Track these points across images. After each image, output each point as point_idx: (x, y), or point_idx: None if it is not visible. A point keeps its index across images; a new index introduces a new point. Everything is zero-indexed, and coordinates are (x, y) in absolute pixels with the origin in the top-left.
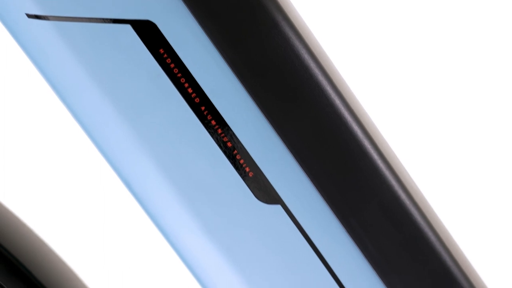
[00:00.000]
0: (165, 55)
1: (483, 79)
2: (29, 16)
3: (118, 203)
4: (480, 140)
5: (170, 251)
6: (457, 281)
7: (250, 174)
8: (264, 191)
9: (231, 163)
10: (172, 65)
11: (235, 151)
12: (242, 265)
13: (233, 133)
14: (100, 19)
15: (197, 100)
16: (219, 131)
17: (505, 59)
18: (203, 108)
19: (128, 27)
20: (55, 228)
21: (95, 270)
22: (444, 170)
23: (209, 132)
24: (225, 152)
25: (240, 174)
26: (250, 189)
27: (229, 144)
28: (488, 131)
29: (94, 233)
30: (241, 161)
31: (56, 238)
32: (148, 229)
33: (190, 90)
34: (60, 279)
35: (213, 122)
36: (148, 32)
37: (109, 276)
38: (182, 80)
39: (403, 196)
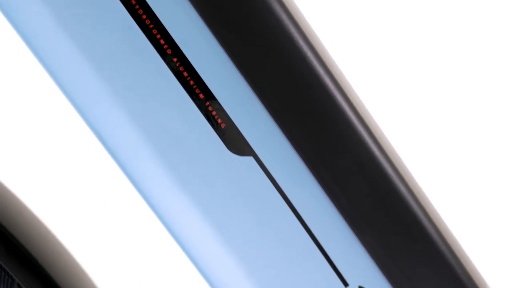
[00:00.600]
0: (137, 6)
1: (482, 71)
2: None
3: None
4: (453, 97)
5: (164, 232)
6: (429, 236)
7: (222, 126)
8: (236, 143)
9: (203, 114)
10: (144, 16)
11: (207, 103)
12: (215, 216)
13: (206, 85)
14: None
15: (169, 51)
16: (191, 82)
17: (508, 58)
18: (175, 59)
19: None
20: (45, 199)
21: (84, 242)
22: (419, 129)
23: (182, 84)
24: (197, 104)
25: (212, 126)
26: (223, 141)
27: (201, 96)
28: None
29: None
30: (213, 113)
31: (46, 210)
32: (142, 207)
33: (162, 42)
34: (58, 258)
35: (185, 74)
36: None
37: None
38: (154, 31)
39: (376, 152)
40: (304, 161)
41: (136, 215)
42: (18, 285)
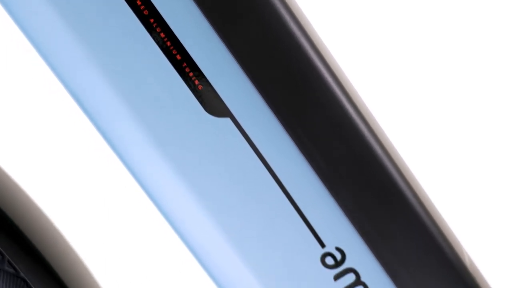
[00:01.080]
0: None
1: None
2: None
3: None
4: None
5: (152, 207)
6: (405, 196)
7: (199, 87)
8: (213, 104)
9: (180, 75)
10: None
11: (184, 64)
12: (191, 178)
13: (182, 45)
14: None
15: (146, 12)
16: (168, 43)
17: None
18: (152, 20)
19: None
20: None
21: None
22: (396, 89)
23: (158, 44)
24: (173, 65)
25: (189, 87)
26: (199, 102)
27: (178, 57)
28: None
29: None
30: (190, 74)
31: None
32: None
33: (139, 2)
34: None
35: (162, 35)
36: None
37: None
38: None
39: (351, 111)
40: (281, 121)
41: (132, 198)
42: (12, 266)
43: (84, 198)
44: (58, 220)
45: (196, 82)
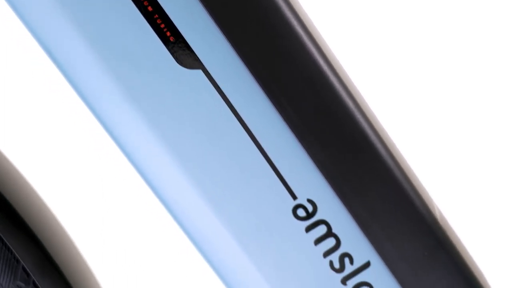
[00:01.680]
0: None
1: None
2: None
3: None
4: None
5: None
6: (374, 147)
7: (171, 39)
8: (185, 56)
9: (152, 27)
10: None
11: (156, 15)
12: (164, 129)
13: None
14: None
15: None
16: None
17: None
18: None
19: None
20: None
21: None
22: (367, 43)
23: None
24: (145, 16)
25: (161, 39)
26: (171, 54)
27: (149, 9)
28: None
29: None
30: (162, 26)
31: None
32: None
33: None
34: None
35: None
36: None
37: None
38: None
39: (322, 63)
40: (252, 74)
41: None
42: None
43: (82, 187)
44: (51, 200)
45: (168, 33)
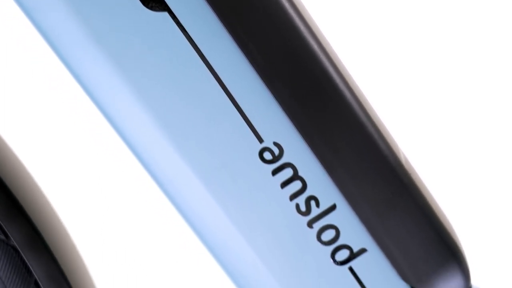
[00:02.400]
0: None
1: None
2: None
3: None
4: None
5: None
6: (339, 90)
7: None
8: None
9: None
10: None
11: None
12: (130, 73)
13: None
14: None
15: None
16: None
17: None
18: None
19: None
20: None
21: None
22: None
23: None
24: None
25: None
26: None
27: None
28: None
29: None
30: None
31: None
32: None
33: None
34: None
35: None
36: None
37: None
38: None
39: (286, 5)
40: (217, 15)
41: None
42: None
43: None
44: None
45: None
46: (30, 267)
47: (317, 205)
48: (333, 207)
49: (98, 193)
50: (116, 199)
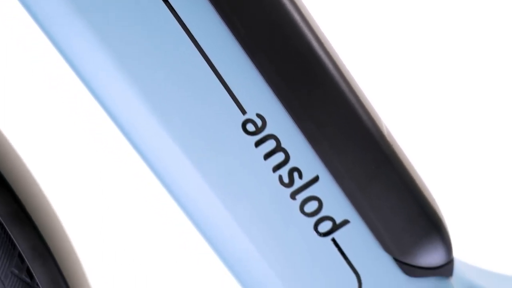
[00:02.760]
0: None
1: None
2: None
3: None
4: None
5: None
6: (323, 62)
7: None
8: None
9: None
10: None
11: None
12: (113, 45)
13: None
14: None
15: None
16: None
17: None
18: None
19: None
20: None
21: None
22: None
23: None
24: None
25: None
26: None
27: None
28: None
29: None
30: None
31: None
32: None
33: None
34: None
35: None
36: None
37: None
38: None
39: None
40: None
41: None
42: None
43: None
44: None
45: None
46: (14, 240)
47: (300, 176)
48: (316, 179)
49: (80, 165)
50: (93, 168)
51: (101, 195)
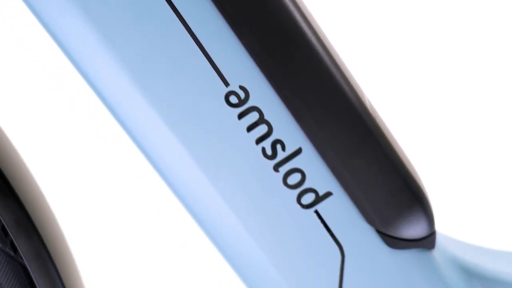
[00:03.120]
0: None
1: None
2: None
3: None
4: None
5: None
6: (306, 35)
7: None
8: None
9: None
10: None
11: None
12: (98, 23)
13: None
14: None
15: None
16: None
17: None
18: None
19: None
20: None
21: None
22: None
23: None
24: None
25: None
26: None
27: None
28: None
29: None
30: None
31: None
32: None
33: None
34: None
35: None
36: None
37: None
38: None
39: None
40: None
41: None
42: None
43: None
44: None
45: None
46: None
47: (283, 148)
48: (299, 151)
49: (65, 144)
50: (78, 148)
51: (88, 175)
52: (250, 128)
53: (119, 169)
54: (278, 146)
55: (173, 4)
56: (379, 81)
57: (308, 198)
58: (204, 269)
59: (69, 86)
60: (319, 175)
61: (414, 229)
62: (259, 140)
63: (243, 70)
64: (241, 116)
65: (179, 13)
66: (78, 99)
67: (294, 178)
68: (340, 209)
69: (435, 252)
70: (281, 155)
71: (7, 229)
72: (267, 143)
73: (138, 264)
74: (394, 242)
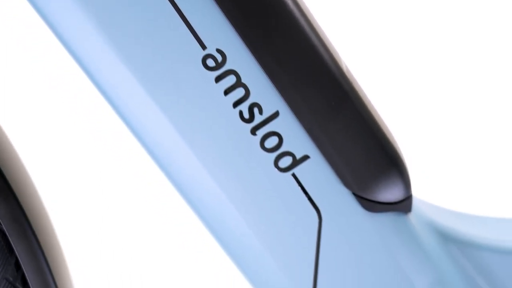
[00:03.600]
0: None
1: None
2: None
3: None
4: None
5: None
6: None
7: None
8: None
9: None
10: None
11: None
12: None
13: None
14: None
15: None
16: None
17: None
18: None
19: None
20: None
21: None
22: None
23: None
24: None
25: None
26: None
27: None
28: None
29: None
30: None
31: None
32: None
33: None
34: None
35: None
36: None
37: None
38: None
39: None
40: None
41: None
42: None
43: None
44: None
45: None
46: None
47: (260, 112)
48: (276, 114)
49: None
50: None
51: (87, 175)
52: (227, 92)
53: (119, 169)
54: (256, 110)
55: None
56: (366, 66)
57: (286, 162)
58: (199, 268)
59: (68, 86)
60: (296, 139)
61: (390, 193)
62: (236, 104)
63: (220, 34)
64: (218, 79)
65: None
66: (78, 99)
67: (271, 142)
68: (317, 172)
69: (412, 215)
70: (258, 118)
71: (1, 224)
72: (244, 107)
73: (138, 264)
74: (370, 205)
